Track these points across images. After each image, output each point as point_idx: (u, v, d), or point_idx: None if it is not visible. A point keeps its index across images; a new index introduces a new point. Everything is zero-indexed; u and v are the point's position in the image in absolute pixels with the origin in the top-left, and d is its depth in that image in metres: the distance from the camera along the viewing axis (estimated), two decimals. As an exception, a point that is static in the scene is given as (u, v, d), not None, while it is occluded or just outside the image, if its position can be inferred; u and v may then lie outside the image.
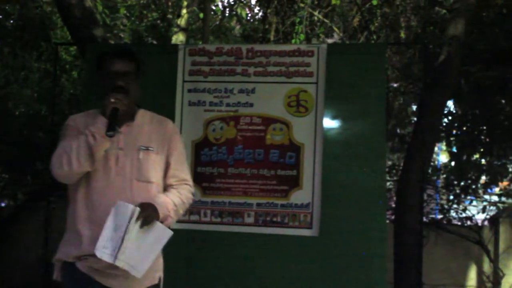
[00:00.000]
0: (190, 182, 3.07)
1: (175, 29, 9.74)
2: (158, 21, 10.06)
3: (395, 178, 7.76)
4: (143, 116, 3.00)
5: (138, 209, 2.69)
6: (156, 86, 4.60)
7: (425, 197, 7.48)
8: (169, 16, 10.04)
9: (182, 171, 3.05)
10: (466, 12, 5.92)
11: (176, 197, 2.93)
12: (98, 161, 2.79)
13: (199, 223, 4.53)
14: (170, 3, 10.01)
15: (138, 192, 2.83)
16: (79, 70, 8.29)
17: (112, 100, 2.75)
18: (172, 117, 4.57)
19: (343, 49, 5.60)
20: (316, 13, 8.51)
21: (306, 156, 4.48)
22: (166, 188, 2.98)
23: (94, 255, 2.68)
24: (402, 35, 8.60)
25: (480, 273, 7.20)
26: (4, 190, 7.52)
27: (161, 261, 3.00)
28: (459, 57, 5.90)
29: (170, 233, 2.79)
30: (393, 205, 6.45)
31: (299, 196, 4.46)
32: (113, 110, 2.73)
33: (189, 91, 4.66)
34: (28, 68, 8.23)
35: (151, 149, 2.91)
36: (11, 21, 7.98)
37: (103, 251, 2.63)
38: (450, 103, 8.31)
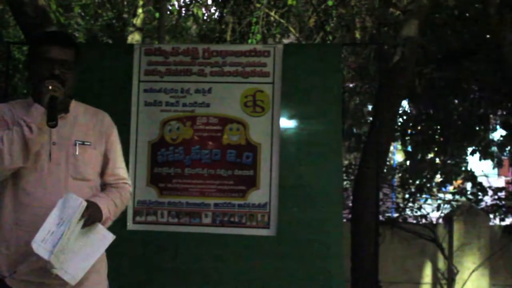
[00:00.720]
0: (129, 181, 2.85)
1: (131, 29, 9.67)
2: (114, 21, 9.96)
3: (351, 177, 7.83)
4: (77, 108, 2.73)
5: (85, 203, 2.43)
6: (111, 86, 4.56)
7: (381, 196, 7.58)
8: (125, 15, 9.95)
9: (121, 169, 2.81)
10: (419, 14, 6.01)
11: (117, 198, 2.71)
12: (32, 155, 2.50)
13: (156, 223, 4.49)
14: (125, 2, 9.93)
15: (73, 191, 2.49)
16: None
17: (50, 87, 2.46)
18: (128, 117, 4.54)
19: (299, 49, 5.62)
20: (272, 13, 8.53)
21: (263, 156, 4.48)
22: (103, 186, 2.75)
23: (24, 264, 2.46)
24: (358, 35, 8.68)
25: (435, 270, 7.30)
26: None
27: (106, 266, 2.78)
28: (413, 58, 5.99)
29: (111, 237, 2.54)
30: (350, 204, 6.50)
31: (256, 196, 4.46)
32: (52, 98, 2.45)
33: (145, 91, 4.61)
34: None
35: (88, 143, 2.66)
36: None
37: (40, 244, 2.33)
38: (404, 103, 8.43)
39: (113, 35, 9.80)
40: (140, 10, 9.56)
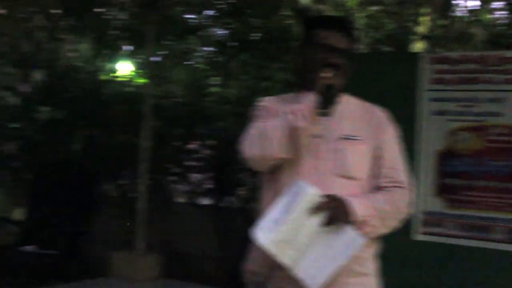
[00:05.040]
0: (407, 185, 2.42)
1: (415, 37, 9.60)
2: (397, 30, 9.99)
3: None
4: (347, 102, 2.46)
5: (317, 192, 2.18)
6: (395, 95, 4.53)
7: None
8: (408, 24, 9.93)
9: (398, 171, 2.41)
10: None
11: (384, 202, 2.31)
12: (299, 147, 2.27)
13: (443, 236, 4.38)
14: (410, 11, 9.90)
15: (336, 191, 2.25)
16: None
17: (323, 75, 2.27)
18: (413, 126, 4.49)
19: None
20: None
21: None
22: (375, 190, 2.38)
23: (279, 270, 2.20)
24: None
25: None
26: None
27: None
28: None
29: (360, 242, 2.17)
30: None
31: (555, 214, 4.11)
32: (328, 87, 2.25)
33: (431, 100, 4.53)
34: (272, 79, 8.58)
35: (357, 138, 2.35)
36: (258, 34, 8.37)
37: (265, 233, 2.15)
38: None
39: (395, 45, 9.80)
40: (424, 19, 9.45)
